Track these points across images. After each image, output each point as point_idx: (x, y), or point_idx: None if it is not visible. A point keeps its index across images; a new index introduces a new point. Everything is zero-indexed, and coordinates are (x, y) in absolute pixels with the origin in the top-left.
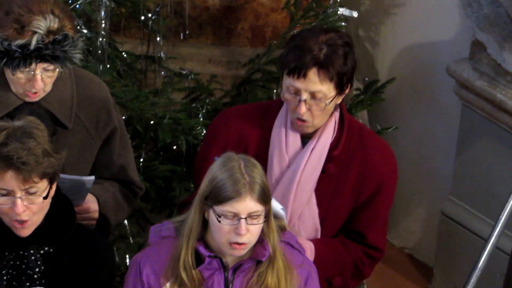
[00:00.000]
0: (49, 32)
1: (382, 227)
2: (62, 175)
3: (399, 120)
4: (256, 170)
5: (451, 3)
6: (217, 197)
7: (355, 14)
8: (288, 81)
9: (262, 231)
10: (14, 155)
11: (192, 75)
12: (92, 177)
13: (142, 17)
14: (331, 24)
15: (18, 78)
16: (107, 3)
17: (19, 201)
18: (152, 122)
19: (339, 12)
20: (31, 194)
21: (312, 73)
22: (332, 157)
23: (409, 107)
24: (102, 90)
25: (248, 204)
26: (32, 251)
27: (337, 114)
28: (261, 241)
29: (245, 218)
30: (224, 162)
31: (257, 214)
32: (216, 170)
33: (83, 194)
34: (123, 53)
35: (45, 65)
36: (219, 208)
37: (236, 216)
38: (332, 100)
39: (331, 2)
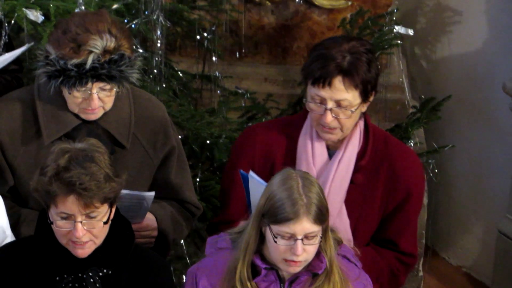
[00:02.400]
0: (105, 51)
1: (413, 233)
2: (123, 190)
3: (456, 138)
4: (314, 189)
5: (507, 20)
6: (274, 216)
7: (411, 32)
8: (313, 91)
9: (319, 245)
10: (77, 180)
11: (248, 94)
12: (152, 193)
13: (198, 36)
14: (387, 43)
15: (74, 97)
16: (163, 22)
17: (79, 226)
18: (208, 141)
19: (394, 30)
20: (92, 218)
21: (337, 82)
22: (359, 167)
23: (465, 125)
24: (160, 110)
25: (305, 226)
26: (90, 273)
27: (362, 124)
28: (318, 254)
29: (302, 239)
30: (283, 180)
31: (313, 235)
32: (275, 188)
33: (143, 212)
34: (179, 73)
35: (101, 84)
36: (276, 228)
37: (292, 237)
38: (357, 108)
39: (386, 20)
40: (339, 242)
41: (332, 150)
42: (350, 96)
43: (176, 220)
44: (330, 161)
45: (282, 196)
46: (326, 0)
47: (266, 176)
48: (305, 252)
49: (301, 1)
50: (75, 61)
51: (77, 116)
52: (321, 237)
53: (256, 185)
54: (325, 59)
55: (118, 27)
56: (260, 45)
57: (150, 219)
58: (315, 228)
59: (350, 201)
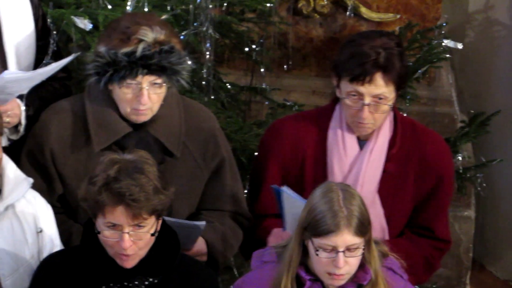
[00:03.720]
0: (156, 42)
1: (446, 218)
2: (173, 220)
3: (504, 153)
4: (355, 201)
5: None
6: (315, 229)
7: (459, 46)
8: (351, 87)
9: (363, 257)
10: (126, 191)
11: (296, 106)
12: (203, 223)
13: (246, 48)
14: (435, 56)
15: (124, 93)
16: (212, 34)
17: (126, 236)
18: (256, 153)
19: (443, 44)
20: (139, 229)
21: (378, 77)
22: (390, 156)
23: None
24: (210, 120)
25: (346, 238)
26: (136, 282)
27: (391, 113)
28: (363, 265)
29: (343, 251)
30: (324, 193)
31: (355, 247)
32: (316, 201)
33: (193, 239)
34: (227, 84)
35: (151, 78)
36: (317, 241)
37: (334, 250)
38: (393, 101)
39: (435, 33)
40: (384, 255)
41: (362, 141)
42: (388, 90)
43: (227, 242)
44: (361, 152)
45: (323, 208)
46: (375, 13)
47: (297, 170)
48: (347, 265)
49: (351, 14)
50: (125, 50)
51: (127, 123)
52: (364, 249)
53: (289, 198)
54: (360, 56)
55: (169, 26)
56: (308, 57)
57: (200, 244)
58: (356, 240)
59: (383, 191)
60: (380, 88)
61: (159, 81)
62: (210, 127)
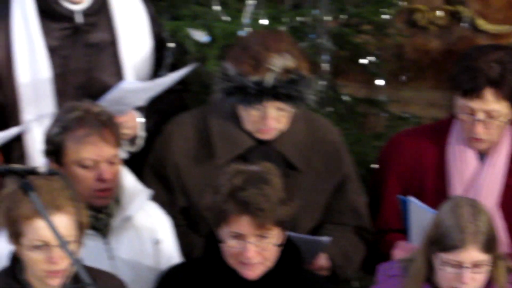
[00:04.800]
0: (285, 71)
1: None
2: (296, 235)
3: None
4: (483, 218)
5: None
6: (441, 244)
7: None
8: (463, 102)
9: (490, 273)
10: (252, 200)
11: (413, 118)
12: (328, 238)
13: (363, 60)
14: None
15: (250, 115)
16: (329, 46)
17: (251, 246)
18: (374, 166)
19: None
20: (263, 240)
21: (487, 93)
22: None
23: None
24: (334, 135)
25: (472, 254)
26: None
27: (510, 127)
28: (489, 281)
29: (469, 268)
30: (452, 208)
31: (481, 264)
32: (444, 216)
33: (316, 254)
34: (344, 96)
35: (278, 104)
36: (444, 256)
37: (460, 265)
38: (508, 118)
39: None
40: (510, 270)
41: (483, 154)
42: (500, 106)
43: (349, 257)
44: (482, 166)
45: (450, 223)
46: (491, 25)
47: (417, 184)
48: (473, 281)
49: (467, 26)
50: (254, 78)
51: (250, 136)
52: (491, 266)
53: (417, 208)
54: (473, 70)
55: (298, 48)
56: (425, 69)
57: (322, 259)
58: (483, 257)
59: (504, 204)
60: (490, 104)
61: (285, 106)
62: (334, 141)
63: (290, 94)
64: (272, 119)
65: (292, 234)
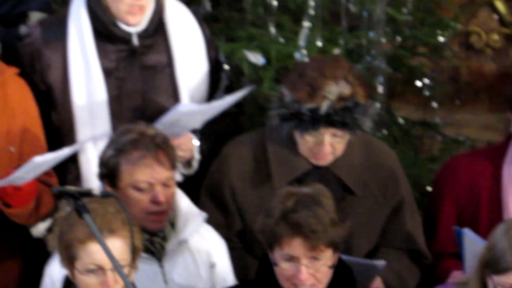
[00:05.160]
0: (341, 98)
1: None
2: (353, 258)
3: None
4: None
5: None
6: (495, 266)
7: None
8: None
9: None
10: (304, 222)
11: (468, 141)
12: (383, 262)
13: (418, 83)
14: None
15: (306, 141)
16: (384, 68)
17: (304, 268)
18: (429, 188)
19: None
20: (316, 261)
21: None
22: None
23: None
24: (391, 158)
25: None
26: None
27: None
28: None
29: None
30: (506, 230)
31: None
32: (497, 238)
33: (371, 277)
34: (400, 119)
35: (333, 130)
36: (497, 279)
37: None
38: None
39: None
40: None
41: None
42: None
43: (403, 281)
44: None
45: (503, 246)
46: None
47: (472, 207)
48: None
49: None
50: (310, 105)
51: (307, 160)
52: None
53: (471, 240)
54: None
55: (355, 74)
56: (481, 92)
57: (377, 282)
58: None
59: None
60: None
61: (340, 133)
62: (391, 165)
63: (345, 121)
64: (327, 146)
65: (347, 257)
